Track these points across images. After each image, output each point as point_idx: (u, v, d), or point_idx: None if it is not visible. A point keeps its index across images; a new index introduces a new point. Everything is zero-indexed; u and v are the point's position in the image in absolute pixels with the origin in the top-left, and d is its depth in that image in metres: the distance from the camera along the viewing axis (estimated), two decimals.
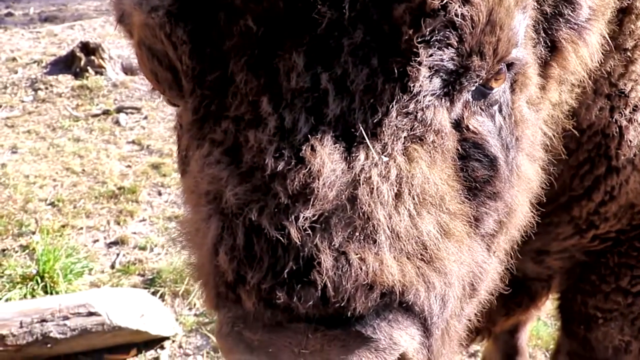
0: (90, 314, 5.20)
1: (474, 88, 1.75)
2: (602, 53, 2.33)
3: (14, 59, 10.12)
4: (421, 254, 1.59)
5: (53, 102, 8.96)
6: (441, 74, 1.67)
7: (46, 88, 9.30)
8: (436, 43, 1.63)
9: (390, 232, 1.55)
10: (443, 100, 1.69)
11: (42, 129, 8.38)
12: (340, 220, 1.53)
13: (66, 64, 9.76)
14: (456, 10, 1.62)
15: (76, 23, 11.67)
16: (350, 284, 1.49)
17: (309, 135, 1.59)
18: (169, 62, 1.79)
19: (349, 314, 1.49)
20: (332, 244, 1.51)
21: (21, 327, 5.12)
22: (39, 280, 5.78)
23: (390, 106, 1.62)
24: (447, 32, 1.63)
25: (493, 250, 1.96)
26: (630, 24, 2.60)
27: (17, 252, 6.31)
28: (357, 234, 1.53)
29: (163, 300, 5.71)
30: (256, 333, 1.55)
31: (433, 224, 1.62)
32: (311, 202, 1.53)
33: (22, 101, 8.97)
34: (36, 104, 8.96)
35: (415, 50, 1.61)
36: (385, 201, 1.56)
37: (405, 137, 1.63)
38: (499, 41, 1.71)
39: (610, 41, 2.37)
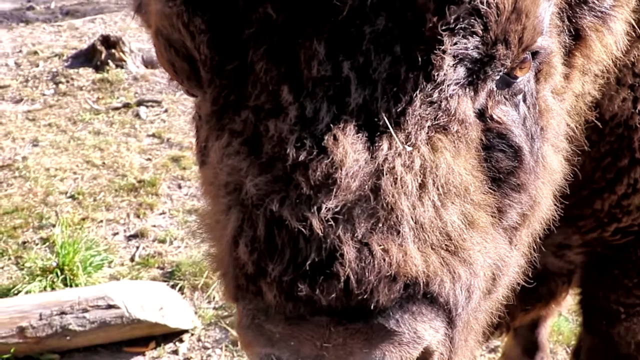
0: (110, 306, 5.21)
1: (498, 77, 1.71)
2: (627, 42, 2.29)
3: (35, 53, 10.17)
4: (446, 245, 1.56)
5: (74, 95, 9.00)
6: (466, 62, 1.63)
7: (67, 81, 9.34)
8: (461, 31, 1.60)
9: (414, 222, 1.52)
10: (467, 89, 1.66)
11: (63, 122, 8.42)
12: (364, 211, 1.50)
13: (87, 58, 9.79)
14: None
15: (97, 17, 11.71)
16: (374, 276, 1.46)
17: (331, 125, 1.56)
18: (186, 52, 1.76)
19: (372, 306, 1.46)
20: (355, 235, 1.48)
21: (40, 319, 5.14)
22: (59, 273, 5.80)
23: (414, 95, 1.59)
24: (472, 20, 1.60)
25: (515, 243, 1.91)
26: None
27: (37, 244, 6.34)
28: (380, 224, 1.50)
29: (182, 294, 5.71)
30: (277, 326, 1.52)
31: (457, 215, 1.59)
32: (334, 193, 1.50)
33: (43, 94, 9.01)
34: (57, 97, 8.99)
35: (439, 38, 1.58)
36: (409, 191, 1.53)
37: (429, 127, 1.60)
38: (525, 29, 1.67)
39: (635, 30, 2.33)
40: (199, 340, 5.37)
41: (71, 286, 5.69)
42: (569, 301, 3.91)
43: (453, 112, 1.63)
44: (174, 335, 5.37)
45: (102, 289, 5.38)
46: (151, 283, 5.72)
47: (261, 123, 1.63)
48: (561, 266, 3.21)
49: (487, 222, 1.68)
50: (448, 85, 1.62)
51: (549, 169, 1.96)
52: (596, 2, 1.98)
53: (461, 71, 1.63)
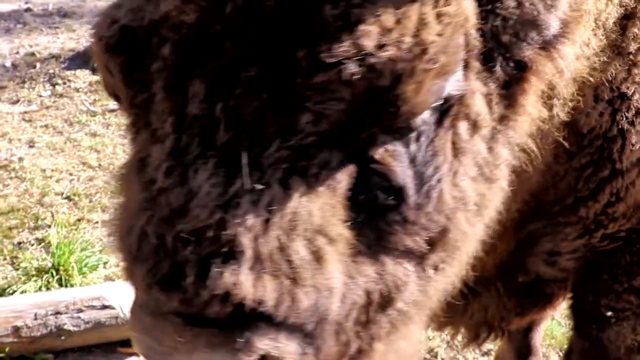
0: (105, 307, 5.23)
1: (378, 127, 1.82)
2: (604, 60, 2.42)
3: (32, 54, 10.18)
4: (287, 274, 1.74)
5: (70, 97, 9.02)
6: (330, 120, 1.76)
7: (64, 83, 9.35)
8: (326, 93, 1.72)
9: (253, 253, 1.71)
10: (329, 139, 1.79)
11: (60, 124, 8.43)
12: (210, 238, 1.72)
13: (84, 60, 9.80)
14: (351, 70, 1.69)
15: (94, 19, 11.71)
16: (207, 292, 1.69)
17: (197, 159, 1.76)
18: (111, 83, 2.03)
19: (211, 317, 1.71)
20: (200, 257, 1.71)
21: (35, 319, 5.16)
22: (54, 273, 5.83)
23: (273, 140, 1.74)
24: (339, 86, 1.72)
25: (430, 265, 2.05)
26: (634, 28, 2.61)
27: (32, 245, 6.36)
28: (222, 251, 1.71)
29: None
30: (147, 317, 1.78)
31: (303, 248, 1.75)
32: (186, 219, 1.73)
33: (40, 96, 9.03)
34: (54, 99, 9.01)
35: (305, 94, 1.72)
36: (251, 226, 1.72)
37: (285, 169, 1.75)
38: (404, 103, 1.79)
39: (612, 48, 2.47)
40: None
41: (66, 286, 5.72)
42: (562, 305, 3.94)
43: (312, 158, 1.78)
44: None
45: (97, 289, 5.39)
46: None
47: (150, 147, 1.86)
48: (554, 273, 3.23)
49: (344, 252, 1.83)
50: (307, 136, 1.76)
51: (461, 199, 2.02)
52: (535, 36, 2.04)
53: (324, 125, 1.76)
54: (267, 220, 1.73)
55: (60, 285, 5.75)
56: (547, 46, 2.09)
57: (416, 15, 1.77)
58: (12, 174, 7.32)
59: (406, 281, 1.99)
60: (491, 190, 2.14)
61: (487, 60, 2.01)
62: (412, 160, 1.91)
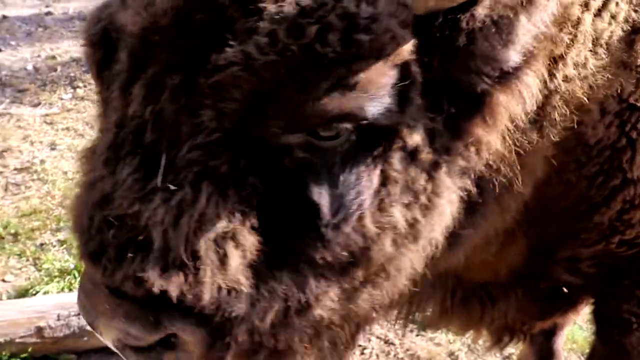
0: None
1: (275, 135, 1.97)
2: (608, 77, 2.51)
3: (53, 57, 10.26)
4: (191, 269, 1.94)
5: (91, 99, 9.05)
6: (230, 118, 1.93)
7: (84, 86, 9.41)
8: (222, 93, 1.91)
9: (162, 246, 1.92)
10: (234, 140, 1.96)
11: (81, 126, 8.48)
12: (128, 226, 1.95)
13: None
14: (235, 72, 1.88)
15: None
16: (120, 274, 1.93)
17: (127, 154, 1.98)
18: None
19: (132, 293, 1.95)
20: (119, 241, 1.95)
21: (58, 319, 5.20)
22: (77, 275, 5.87)
23: (187, 141, 1.93)
24: (230, 87, 1.90)
25: (355, 279, 2.19)
26: None
27: (55, 246, 6.40)
28: (138, 239, 1.93)
29: None
30: (88, 284, 2.06)
31: (207, 248, 1.94)
32: (112, 205, 1.97)
33: (61, 99, 9.09)
34: (75, 102, 9.07)
35: (206, 93, 1.91)
36: (159, 221, 1.92)
37: (196, 172, 1.93)
38: (293, 110, 1.94)
39: (618, 64, 2.54)
40: None
41: None
42: (584, 310, 3.94)
43: (220, 157, 1.95)
44: None
45: None
46: None
47: (100, 138, 2.12)
48: (577, 281, 3.24)
49: (255, 258, 1.99)
50: (212, 132, 1.94)
51: (387, 224, 2.12)
52: (490, 70, 2.11)
53: (226, 123, 1.93)
54: (176, 218, 1.92)
55: None
56: (505, 79, 2.15)
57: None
58: (34, 176, 7.37)
59: (326, 292, 2.13)
60: (429, 217, 2.22)
61: (433, 94, 2.11)
62: (333, 181, 2.04)
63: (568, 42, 2.42)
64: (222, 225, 1.95)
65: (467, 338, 5.29)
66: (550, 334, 4.61)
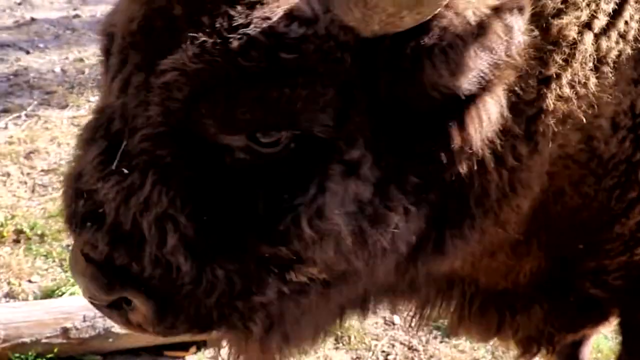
0: None
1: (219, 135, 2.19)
2: (615, 94, 2.57)
3: (81, 60, 10.33)
4: (135, 244, 2.25)
5: None
6: (176, 115, 2.17)
7: None
8: (166, 92, 2.16)
9: (112, 221, 2.25)
10: (180, 135, 2.20)
11: None
12: (90, 200, 2.28)
13: None
14: (169, 77, 2.13)
15: None
16: (82, 239, 2.30)
17: (99, 139, 2.31)
18: None
19: (96, 258, 2.27)
20: (83, 211, 2.30)
21: (84, 320, 5.25)
22: None
23: (140, 132, 2.22)
24: (172, 89, 2.15)
25: (300, 274, 2.36)
26: None
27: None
28: (96, 212, 2.27)
29: None
30: (72, 249, 2.40)
31: (150, 227, 2.22)
32: (82, 180, 2.31)
33: (89, 101, 9.14)
34: None
35: (157, 94, 2.17)
36: (112, 199, 2.24)
37: (145, 160, 2.21)
38: (216, 115, 2.16)
39: (628, 81, 2.60)
40: None
41: None
42: None
43: (166, 148, 2.21)
44: (214, 340, 5.41)
45: None
46: None
47: (89, 121, 2.42)
48: (603, 293, 3.22)
49: (195, 241, 2.23)
50: (159, 126, 2.20)
51: (328, 229, 2.27)
52: (437, 95, 2.18)
53: (172, 119, 2.18)
54: (126, 198, 2.22)
55: None
56: (459, 105, 2.23)
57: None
58: (61, 178, 7.41)
59: (267, 282, 2.34)
60: (377, 228, 2.33)
61: (380, 113, 2.23)
62: (270, 183, 2.23)
63: (561, 62, 2.46)
64: (162, 209, 2.21)
65: (491, 345, 5.27)
66: (577, 343, 4.58)
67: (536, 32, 2.30)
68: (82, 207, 2.30)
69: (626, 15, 2.54)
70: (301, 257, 2.30)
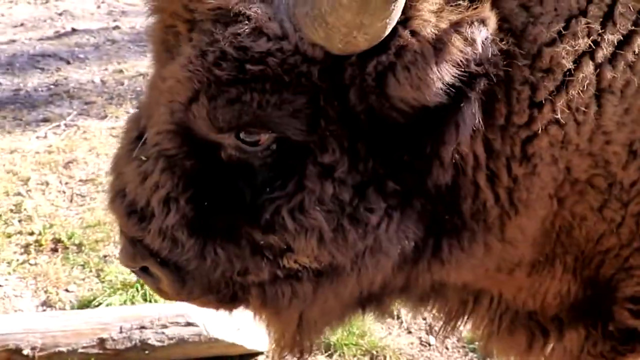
0: (188, 324, 5.31)
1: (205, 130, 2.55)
2: (624, 122, 2.56)
3: (120, 71, 10.39)
4: (145, 219, 2.70)
5: None
6: (177, 115, 2.56)
7: None
8: (171, 94, 2.55)
9: (131, 199, 2.73)
10: (182, 134, 2.59)
11: None
12: (120, 181, 2.79)
13: None
14: (172, 83, 2.54)
15: None
16: (114, 213, 2.88)
17: (132, 130, 2.82)
18: None
19: (122, 229, 2.87)
20: (115, 190, 2.83)
21: (121, 332, 5.28)
22: (139, 288, 5.94)
23: (154, 127, 2.64)
24: (174, 93, 2.54)
25: (291, 262, 2.66)
26: None
27: (118, 259, 6.45)
28: (123, 190, 2.76)
29: None
30: (122, 243, 2.90)
31: (158, 205, 2.64)
32: (117, 165, 2.86)
33: (127, 112, 9.17)
34: None
35: (165, 95, 2.60)
36: (132, 180, 2.71)
37: (157, 150, 2.63)
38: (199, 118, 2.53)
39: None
40: None
41: (150, 302, 5.81)
42: None
43: (171, 143, 2.61)
44: (250, 356, 5.44)
45: (181, 306, 5.43)
46: None
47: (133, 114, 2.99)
48: None
49: (197, 222, 2.65)
50: (164, 124, 2.61)
51: (309, 224, 2.56)
52: (409, 110, 2.37)
53: (171, 116, 2.59)
54: (141, 181, 2.67)
55: (145, 300, 5.85)
56: (430, 116, 2.39)
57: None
58: (99, 188, 7.45)
59: (262, 265, 2.66)
60: (358, 227, 2.57)
61: (353, 121, 2.43)
62: (256, 177, 2.54)
63: (552, 89, 2.49)
64: (167, 191, 2.62)
65: None
66: None
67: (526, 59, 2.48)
68: (115, 186, 2.81)
69: (634, 46, 2.52)
70: (290, 246, 2.60)
